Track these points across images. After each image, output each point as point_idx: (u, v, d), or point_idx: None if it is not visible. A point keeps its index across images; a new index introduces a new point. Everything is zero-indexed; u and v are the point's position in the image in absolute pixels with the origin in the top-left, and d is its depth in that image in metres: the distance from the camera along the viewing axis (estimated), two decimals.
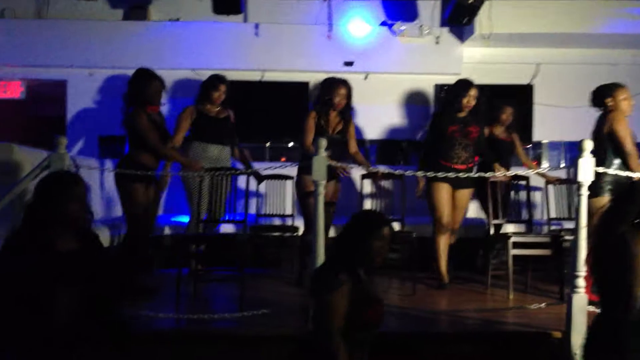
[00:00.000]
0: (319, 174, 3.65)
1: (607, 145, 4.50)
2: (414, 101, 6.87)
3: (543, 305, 4.28)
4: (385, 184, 5.63)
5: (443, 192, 5.02)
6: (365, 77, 6.72)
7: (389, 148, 7.06)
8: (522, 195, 5.52)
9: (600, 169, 3.97)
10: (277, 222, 5.74)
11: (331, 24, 6.65)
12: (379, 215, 2.88)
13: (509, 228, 5.35)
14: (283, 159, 7.00)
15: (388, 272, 5.24)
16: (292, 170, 5.09)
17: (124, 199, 4.56)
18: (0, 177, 3.95)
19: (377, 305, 2.62)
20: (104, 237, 4.68)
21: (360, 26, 6.67)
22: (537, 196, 5.93)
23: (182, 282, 4.28)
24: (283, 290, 4.89)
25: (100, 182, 5.51)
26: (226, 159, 5.30)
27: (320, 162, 3.66)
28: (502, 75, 6.72)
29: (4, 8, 6.39)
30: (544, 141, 7.03)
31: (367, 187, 5.74)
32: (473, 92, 5.00)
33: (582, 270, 3.60)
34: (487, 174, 4.63)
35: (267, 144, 6.93)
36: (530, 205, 5.31)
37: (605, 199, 4.27)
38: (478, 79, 5.21)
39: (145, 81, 4.54)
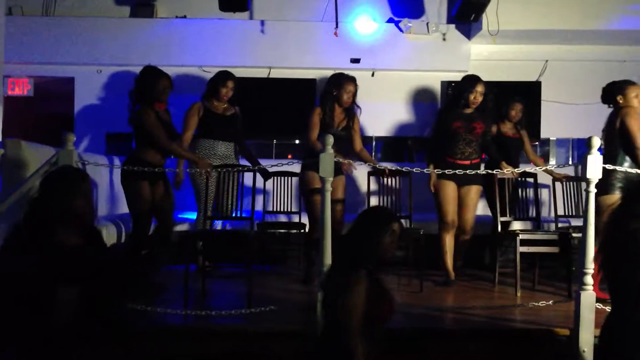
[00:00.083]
0: (326, 171, 3.65)
1: (618, 142, 4.48)
2: (420, 98, 6.86)
3: (551, 302, 4.26)
4: (392, 181, 5.62)
5: (448, 189, 5.01)
6: (372, 74, 6.72)
7: (395, 145, 7.06)
8: (530, 192, 5.50)
9: (609, 166, 3.95)
10: (283, 219, 5.74)
11: (338, 21, 6.65)
12: (388, 211, 2.88)
13: (516, 225, 5.34)
14: (289, 156, 7.00)
15: (395, 270, 5.24)
16: (299, 168, 5.09)
17: (129, 197, 4.57)
18: (9, 173, 3.97)
19: (390, 300, 2.64)
20: (111, 233, 4.70)
21: (367, 23, 6.66)
22: (544, 193, 5.91)
23: (189, 278, 4.29)
24: (290, 287, 4.89)
25: (107, 179, 5.53)
26: (233, 156, 5.31)
27: (327, 158, 3.66)
28: (509, 72, 6.71)
29: (12, 5, 6.42)
30: (552, 138, 7.01)
31: (374, 184, 5.73)
32: (480, 88, 4.98)
33: (590, 267, 3.59)
34: (494, 171, 4.62)
35: (274, 141, 6.93)
36: (538, 202, 5.29)
37: (616, 196, 4.26)
38: (485, 76, 5.19)
39: (153, 78, 4.55)
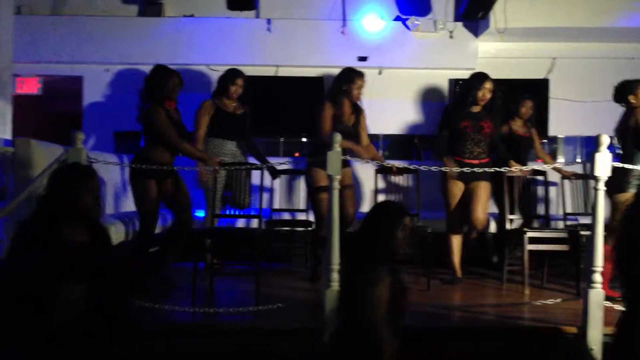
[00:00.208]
0: (333, 169, 3.65)
1: (632, 140, 4.47)
2: (428, 96, 6.85)
3: (559, 300, 4.26)
4: (399, 179, 5.62)
5: (455, 188, 5.00)
6: (379, 72, 6.71)
7: (402, 143, 7.05)
8: (538, 190, 5.49)
9: (617, 164, 3.93)
10: (290, 216, 5.75)
11: (345, 19, 6.65)
12: (399, 206, 2.89)
13: (522, 223, 5.32)
14: (297, 154, 7.01)
15: (402, 268, 5.23)
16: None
17: (136, 195, 4.59)
18: (19, 172, 3.99)
19: (407, 294, 2.66)
20: (119, 232, 4.71)
21: (374, 21, 6.65)
22: (552, 191, 5.90)
23: (197, 276, 4.30)
24: (297, 285, 4.90)
25: (115, 178, 5.55)
26: (242, 155, 5.33)
27: (335, 156, 3.66)
28: (517, 69, 6.68)
29: (21, 5, 6.45)
30: (560, 136, 6.98)
31: (381, 182, 5.74)
32: (488, 85, 4.96)
33: (599, 265, 3.58)
34: (503, 169, 4.61)
35: (281, 139, 6.94)
36: (547, 200, 5.28)
37: (631, 194, 4.26)
38: (493, 74, 5.16)
39: (163, 76, 4.57)
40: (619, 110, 4.92)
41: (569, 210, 5.63)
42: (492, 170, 4.67)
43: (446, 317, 4.07)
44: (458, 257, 5.07)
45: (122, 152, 6.06)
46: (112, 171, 5.18)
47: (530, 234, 4.70)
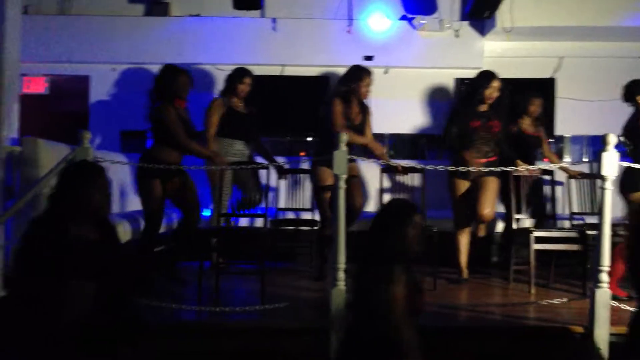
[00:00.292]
0: (339, 168, 3.65)
1: None
2: (434, 95, 6.84)
3: (565, 300, 4.25)
4: (405, 178, 5.61)
5: (462, 188, 5.00)
6: (385, 72, 6.70)
7: (408, 143, 7.04)
8: (545, 190, 5.47)
9: (625, 164, 3.93)
10: (295, 215, 5.76)
11: (351, 19, 6.65)
12: (408, 204, 2.89)
13: (529, 222, 5.31)
14: (302, 153, 7.01)
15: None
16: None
17: (142, 195, 4.61)
18: (26, 171, 4.01)
19: (423, 293, 2.67)
20: (125, 230, 4.73)
21: (380, 20, 6.64)
22: (558, 190, 5.88)
23: (203, 275, 4.31)
24: (302, 284, 4.90)
25: (122, 177, 5.56)
26: (249, 154, 5.35)
27: (341, 156, 3.66)
28: (523, 69, 6.66)
29: (28, 5, 6.46)
30: (566, 135, 6.96)
31: (387, 181, 5.73)
32: (496, 84, 4.96)
33: (606, 265, 3.57)
34: (509, 168, 4.60)
35: (287, 138, 6.94)
36: (554, 200, 5.27)
37: None
38: (499, 73, 5.16)
39: (174, 76, 4.60)
40: (625, 109, 4.91)
41: (575, 209, 5.61)
42: (498, 169, 4.66)
43: (452, 317, 4.07)
44: (465, 257, 5.06)
45: (129, 151, 6.09)
46: (118, 170, 5.19)
47: (536, 234, 4.69)
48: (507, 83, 5.18)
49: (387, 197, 5.66)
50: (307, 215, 5.65)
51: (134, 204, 5.16)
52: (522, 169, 4.86)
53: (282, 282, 4.84)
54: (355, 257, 3.27)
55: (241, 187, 5.25)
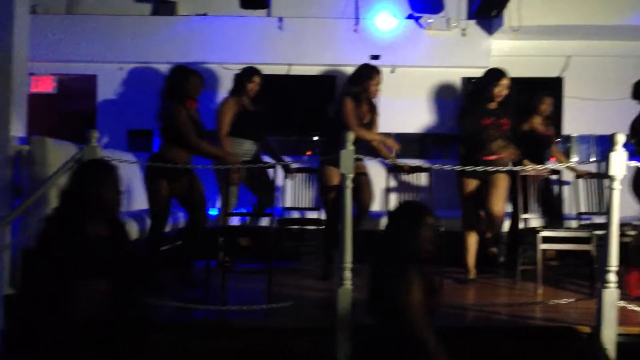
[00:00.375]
0: (346, 167, 3.65)
1: None
2: (440, 95, 6.82)
3: (572, 300, 4.23)
4: (412, 177, 5.60)
5: (471, 186, 4.99)
6: (392, 71, 6.68)
7: (414, 142, 7.03)
8: (553, 189, 5.45)
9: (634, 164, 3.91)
10: (300, 215, 5.76)
11: (358, 18, 6.64)
12: (420, 205, 2.89)
13: (536, 222, 5.29)
14: (309, 153, 7.01)
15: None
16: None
17: (148, 194, 4.63)
18: (34, 170, 4.02)
19: (439, 294, 2.69)
20: (132, 229, 4.74)
21: (387, 19, 6.63)
22: (565, 190, 5.86)
23: (210, 274, 4.32)
24: (308, 284, 4.90)
25: (128, 176, 5.58)
26: (257, 153, 5.36)
27: (348, 155, 3.66)
28: (531, 68, 6.64)
29: (36, 4, 6.48)
30: (574, 134, 6.93)
31: (393, 181, 5.73)
32: (505, 82, 4.94)
33: (613, 265, 3.55)
34: (517, 168, 4.58)
35: (293, 138, 6.94)
36: (561, 199, 5.25)
37: None
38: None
39: (184, 76, 4.61)
40: (633, 108, 4.88)
41: (582, 209, 5.59)
42: (505, 169, 4.64)
43: (459, 317, 4.06)
44: (473, 257, 5.05)
45: (136, 151, 6.10)
46: (125, 169, 5.20)
47: (543, 233, 4.67)
48: (515, 82, 5.16)
49: (393, 197, 5.66)
50: (312, 215, 5.65)
51: (141, 202, 5.18)
52: (529, 168, 4.84)
53: (288, 281, 4.84)
54: (367, 258, 3.27)
55: (248, 186, 5.26)
